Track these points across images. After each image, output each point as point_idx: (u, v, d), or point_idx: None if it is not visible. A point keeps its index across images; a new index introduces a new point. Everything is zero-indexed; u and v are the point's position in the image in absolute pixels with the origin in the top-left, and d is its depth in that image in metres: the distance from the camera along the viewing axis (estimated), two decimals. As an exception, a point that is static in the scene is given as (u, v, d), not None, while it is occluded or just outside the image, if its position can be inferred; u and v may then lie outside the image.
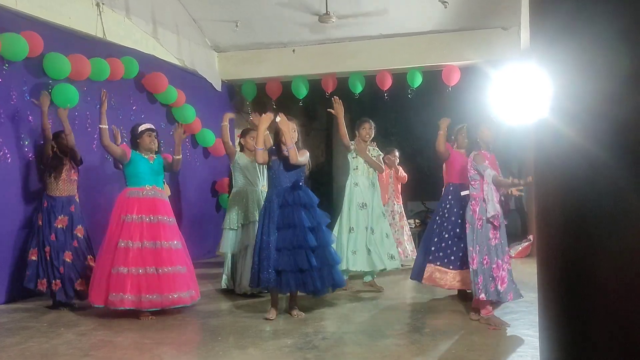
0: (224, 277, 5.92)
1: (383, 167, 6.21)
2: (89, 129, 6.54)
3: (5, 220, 5.49)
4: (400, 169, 8.08)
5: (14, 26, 5.58)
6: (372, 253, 5.80)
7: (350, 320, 4.88)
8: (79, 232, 5.38)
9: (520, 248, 8.59)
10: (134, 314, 4.74)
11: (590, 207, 1.87)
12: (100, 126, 4.94)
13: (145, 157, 5.07)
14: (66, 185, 5.37)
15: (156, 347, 3.99)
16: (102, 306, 4.79)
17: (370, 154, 5.98)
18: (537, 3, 2.24)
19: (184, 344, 4.22)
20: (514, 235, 9.42)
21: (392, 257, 5.91)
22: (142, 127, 5.16)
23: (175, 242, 5.03)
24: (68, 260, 5.23)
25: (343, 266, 5.60)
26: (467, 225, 4.47)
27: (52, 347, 3.98)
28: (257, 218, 5.68)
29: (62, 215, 5.29)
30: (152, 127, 5.22)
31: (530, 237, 8.73)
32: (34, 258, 5.20)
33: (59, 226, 5.26)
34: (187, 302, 4.98)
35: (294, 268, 4.68)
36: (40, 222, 5.26)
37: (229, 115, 6.12)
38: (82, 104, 6.28)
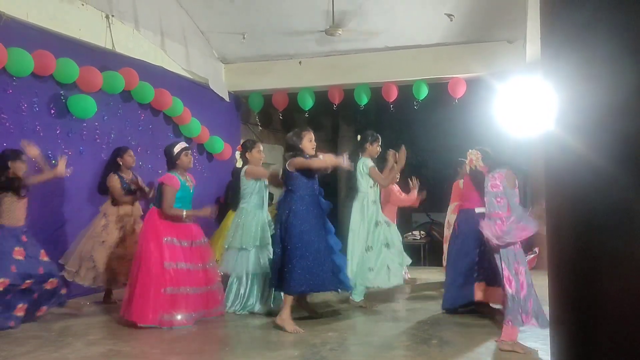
0: (237, 298, 5.49)
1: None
2: (98, 140, 6.60)
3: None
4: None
5: (25, 38, 5.65)
6: (390, 269, 5.80)
7: (357, 331, 4.90)
8: (43, 256, 4.98)
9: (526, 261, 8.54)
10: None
11: (599, 219, 1.89)
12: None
13: (187, 183, 5.09)
14: (23, 213, 4.95)
15: (164, 357, 4.01)
16: (147, 325, 4.70)
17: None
18: (547, 16, 2.28)
19: (192, 354, 4.21)
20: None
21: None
22: (177, 148, 5.06)
23: (211, 262, 5.25)
24: (23, 287, 4.76)
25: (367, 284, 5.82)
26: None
27: (62, 356, 3.99)
28: (260, 242, 5.47)
29: (18, 247, 4.80)
30: (187, 145, 5.21)
31: (536, 249, 8.69)
32: None
33: (17, 257, 4.76)
34: (223, 311, 5.29)
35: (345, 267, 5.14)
36: None
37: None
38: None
